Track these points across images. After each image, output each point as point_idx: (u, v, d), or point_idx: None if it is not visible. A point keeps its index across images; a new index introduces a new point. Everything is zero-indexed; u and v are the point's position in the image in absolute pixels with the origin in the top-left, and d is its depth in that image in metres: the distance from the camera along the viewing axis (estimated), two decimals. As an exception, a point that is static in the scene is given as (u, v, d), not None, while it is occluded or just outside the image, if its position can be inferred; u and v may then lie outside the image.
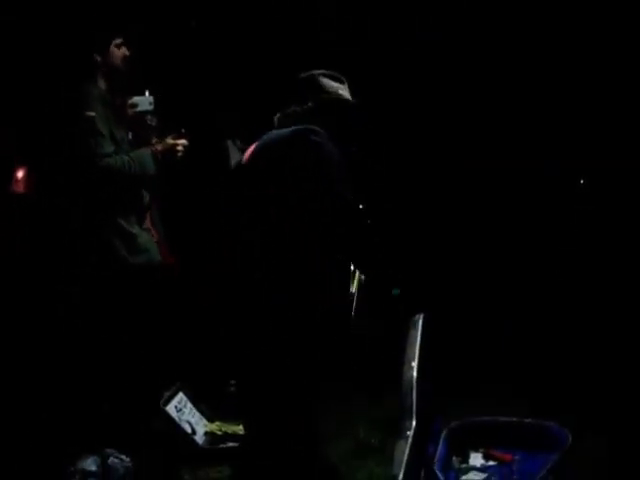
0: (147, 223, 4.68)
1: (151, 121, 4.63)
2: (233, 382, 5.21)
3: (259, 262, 3.49)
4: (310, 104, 3.61)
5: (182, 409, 4.87)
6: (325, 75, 3.69)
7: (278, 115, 3.69)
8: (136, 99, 4.61)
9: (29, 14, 5.33)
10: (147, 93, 4.61)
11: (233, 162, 5.79)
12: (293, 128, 3.53)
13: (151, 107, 4.60)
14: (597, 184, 7.05)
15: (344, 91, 3.69)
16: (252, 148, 3.67)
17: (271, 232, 3.47)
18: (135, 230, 4.54)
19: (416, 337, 4.01)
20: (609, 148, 6.80)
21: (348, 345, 3.73)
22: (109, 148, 4.43)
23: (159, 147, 4.59)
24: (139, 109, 4.60)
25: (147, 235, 4.62)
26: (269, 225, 3.47)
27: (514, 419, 4.39)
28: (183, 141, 4.62)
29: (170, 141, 4.61)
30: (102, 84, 4.59)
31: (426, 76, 6.94)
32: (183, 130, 4.63)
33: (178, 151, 4.61)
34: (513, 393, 5.82)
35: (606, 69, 6.73)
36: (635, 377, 5.55)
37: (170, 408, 4.76)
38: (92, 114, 4.40)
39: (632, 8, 6.40)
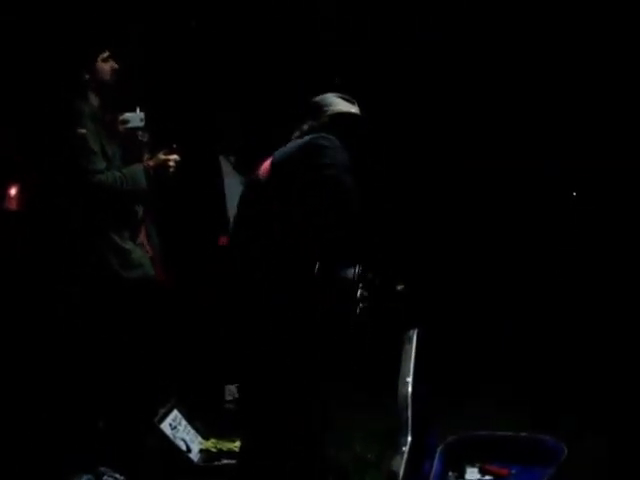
0: (141, 238, 4.70)
1: (142, 137, 4.64)
2: (228, 399, 5.29)
3: (259, 262, 3.55)
4: (324, 118, 3.83)
5: (177, 426, 4.83)
6: (337, 96, 3.94)
7: (296, 133, 3.87)
8: (127, 115, 4.63)
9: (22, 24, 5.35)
10: (138, 109, 4.63)
11: (225, 178, 5.87)
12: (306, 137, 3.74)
13: (142, 123, 4.62)
14: (596, 184, 7.01)
15: (355, 109, 3.92)
16: (268, 162, 3.77)
17: (273, 234, 3.56)
18: (128, 246, 4.55)
19: (410, 352, 4.02)
20: (609, 148, 6.78)
21: (348, 345, 3.75)
22: (101, 165, 4.44)
23: (151, 162, 4.61)
24: (130, 125, 4.62)
25: (141, 250, 4.63)
26: (272, 227, 3.57)
27: (509, 433, 4.39)
28: (175, 156, 4.63)
29: (162, 156, 4.62)
30: (93, 100, 4.60)
31: (426, 76, 6.91)
32: (174, 145, 4.64)
33: (170, 166, 4.61)
34: (513, 393, 5.84)
35: (606, 69, 6.70)
36: (635, 377, 5.56)
37: (165, 426, 4.72)
38: (83, 131, 4.42)
39: (632, 8, 6.37)
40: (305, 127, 3.85)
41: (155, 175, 4.59)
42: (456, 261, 7.05)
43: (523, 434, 4.35)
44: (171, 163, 4.61)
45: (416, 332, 4.09)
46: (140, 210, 4.67)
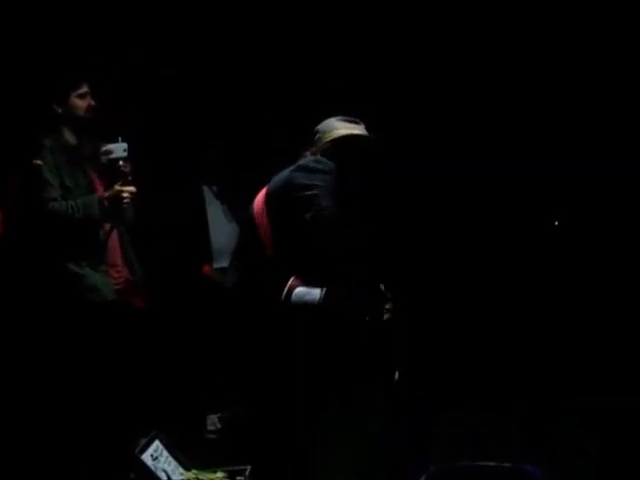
0: (114, 264, 4.80)
1: (124, 167, 4.71)
2: (210, 429, 5.33)
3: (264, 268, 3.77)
4: (325, 145, 3.99)
5: (158, 457, 4.78)
6: (340, 119, 4.08)
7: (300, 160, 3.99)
8: (110, 146, 4.72)
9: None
10: (120, 139, 4.71)
11: (208, 207, 5.93)
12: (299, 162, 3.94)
13: (125, 154, 4.71)
14: (595, 189, 6.96)
15: (360, 130, 4.06)
16: (264, 191, 3.97)
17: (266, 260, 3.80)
18: (84, 271, 4.66)
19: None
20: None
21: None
22: (55, 194, 4.61)
23: (106, 193, 4.71)
24: (113, 156, 4.71)
25: (100, 276, 4.71)
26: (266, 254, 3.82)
27: (492, 464, 4.37)
28: (130, 188, 4.72)
29: (117, 187, 4.70)
30: (67, 134, 4.78)
31: (426, 76, 6.87)
32: (130, 177, 4.71)
33: (124, 197, 4.70)
34: (512, 394, 5.85)
35: (606, 69, 6.66)
36: (635, 377, 5.59)
37: (146, 456, 4.67)
38: (39, 163, 4.59)
39: (632, 8, 6.34)
40: (307, 154, 3.98)
41: (110, 206, 4.68)
42: (451, 264, 6.99)
43: (506, 464, 4.34)
44: (125, 194, 4.69)
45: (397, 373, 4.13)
46: (103, 237, 4.75)
